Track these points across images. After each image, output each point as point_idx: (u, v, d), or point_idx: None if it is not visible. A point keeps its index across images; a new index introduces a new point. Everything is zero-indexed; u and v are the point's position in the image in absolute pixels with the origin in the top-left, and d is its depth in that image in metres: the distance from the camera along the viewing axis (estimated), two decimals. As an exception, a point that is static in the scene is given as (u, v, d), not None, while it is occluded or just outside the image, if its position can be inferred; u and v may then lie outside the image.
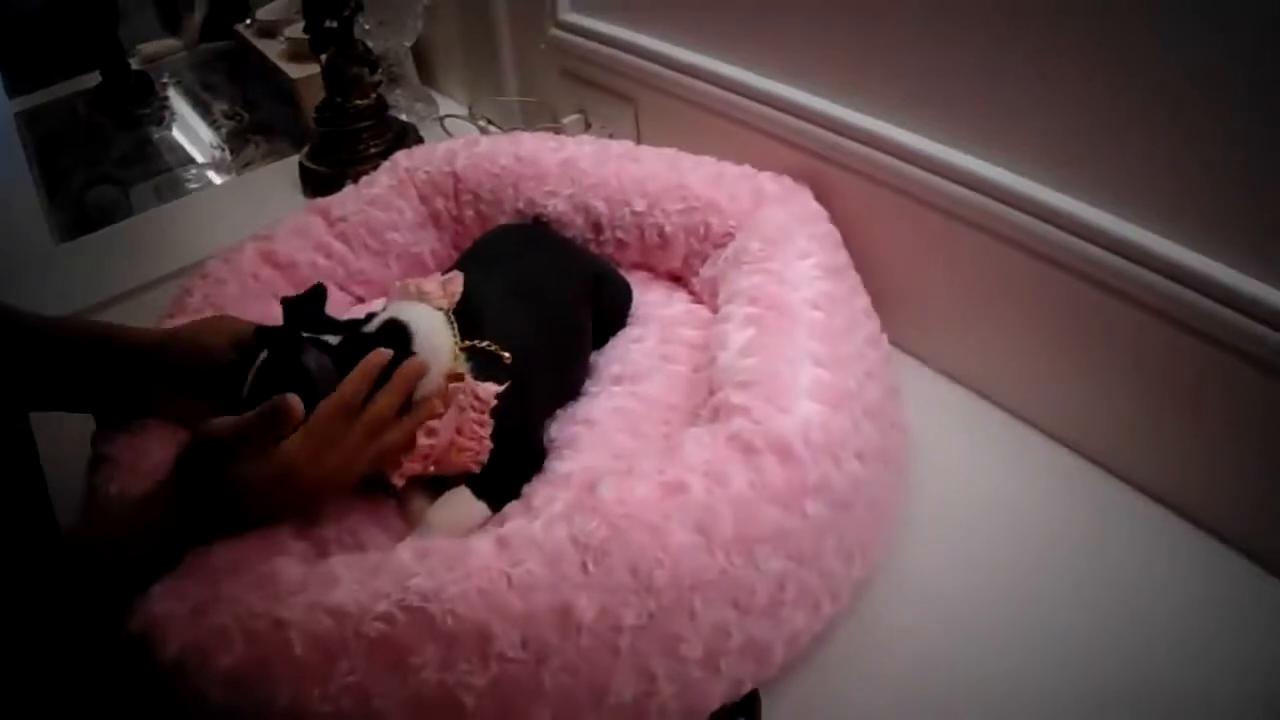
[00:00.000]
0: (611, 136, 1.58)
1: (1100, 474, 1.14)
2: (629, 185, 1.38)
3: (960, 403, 1.27)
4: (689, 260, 1.36)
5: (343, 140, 1.89)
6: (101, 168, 2.34)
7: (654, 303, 1.35)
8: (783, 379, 0.99)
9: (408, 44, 2.12)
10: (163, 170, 2.27)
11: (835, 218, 1.29)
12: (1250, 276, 0.94)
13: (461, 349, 1.06)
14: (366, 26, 1.97)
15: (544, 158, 1.45)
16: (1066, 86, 1.02)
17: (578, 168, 1.41)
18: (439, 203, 1.50)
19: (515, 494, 1.05)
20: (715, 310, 1.25)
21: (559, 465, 1.09)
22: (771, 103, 1.36)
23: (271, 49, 2.46)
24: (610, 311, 1.32)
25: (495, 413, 1.04)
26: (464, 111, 2.03)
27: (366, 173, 1.58)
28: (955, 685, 0.95)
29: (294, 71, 2.28)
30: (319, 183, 1.87)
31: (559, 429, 1.15)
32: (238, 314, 1.21)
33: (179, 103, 2.64)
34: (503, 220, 1.46)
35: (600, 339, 1.29)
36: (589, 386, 1.23)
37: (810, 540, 0.92)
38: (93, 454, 1.08)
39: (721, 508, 0.88)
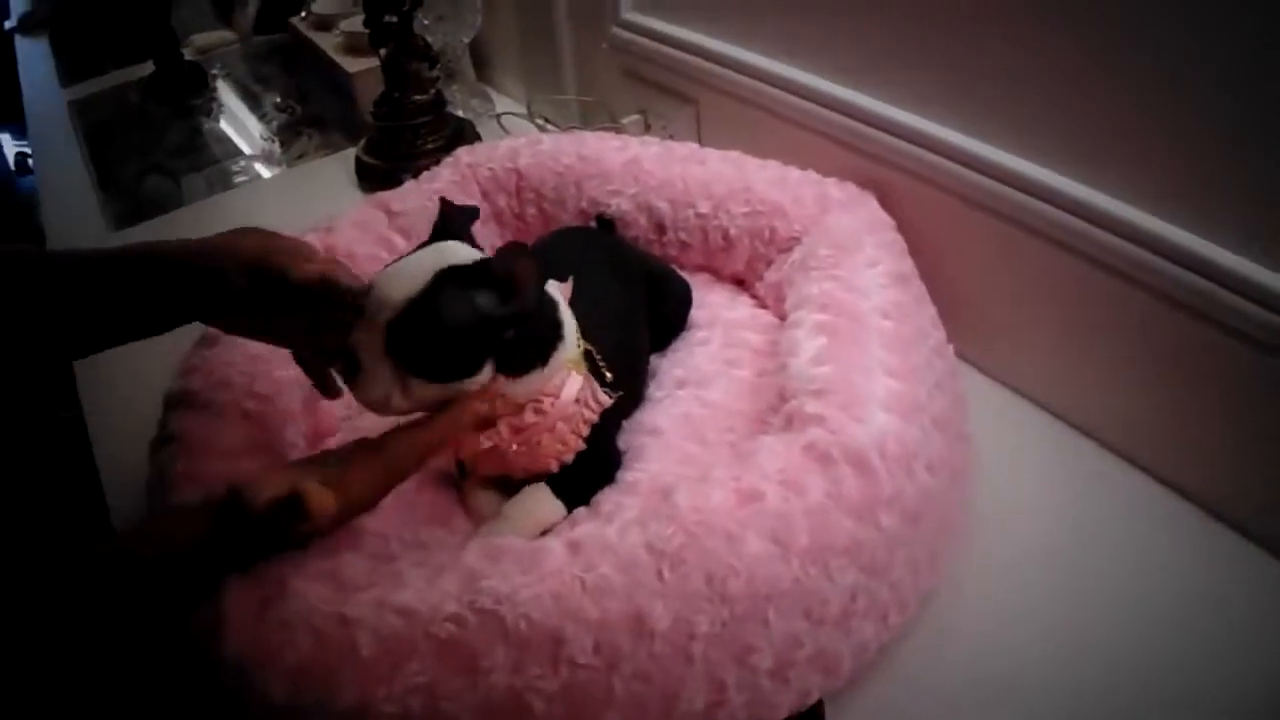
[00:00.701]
0: (671, 137, 1.57)
1: (1160, 489, 1.13)
2: (694, 187, 1.37)
3: (1020, 413, 1.25)
4: (752, 264, 1.35)
5: (400, 135, 1.89)
6: (153, 158, 2.34)
7: (717, 305, 1.34)
8: (857, 388, 0.98)
9: (466, 40, 2.11)
10: (212, 162, 2.27)
11: (898, 225, 1.28)
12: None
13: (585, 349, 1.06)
14: (425, 21, 1.96)
15: (608, 157, 1.44)
16: (1139, 95, 1.00)
17: (642, 168, 1.41)
18: (501, 200, 1.50)
19: (586, 500, 1.04)
20: (779, 315, 1.25)
21: (625, 474, 1.08)
22: (836, 107, 1.35)
23: (326, 42, 2.46)
24: (671, 314, 1.31)
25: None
26: (520, 109, 2.03)
27: (424, 168, 1.58)
28: (1016, 698, 0.94)
29: (350, 65, 2.28)
30: (375, 177, 1.87)
31: (626, 438, 1.15)
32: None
33: (227, 94, 2.64)
34: (565, 219, 1.45)
35: (661, 342, 1.29)
36: (653, 391, 1.22)
37: (883, 552, 0.91)
38: (159, 433, 1.08)
39: (797, 517, 0.87)
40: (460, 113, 2.07)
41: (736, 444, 1.08)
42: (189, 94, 2.62)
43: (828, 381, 1.00)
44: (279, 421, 1.11)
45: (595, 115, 1.85)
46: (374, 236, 1.42)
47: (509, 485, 1.06)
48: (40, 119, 2.68)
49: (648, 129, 1.74)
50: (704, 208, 1.35)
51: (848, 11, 1.30)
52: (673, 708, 0.82)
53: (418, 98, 1.88)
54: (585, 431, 1.04)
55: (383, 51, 1.84)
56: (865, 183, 1.33)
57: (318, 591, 0.85)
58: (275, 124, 2.40)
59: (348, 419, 1.20)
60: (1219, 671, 0.94)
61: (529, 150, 1.50)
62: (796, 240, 1.28)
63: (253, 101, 2.57)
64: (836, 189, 1.32)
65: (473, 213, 1.05)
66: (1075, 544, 1.08)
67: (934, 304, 1.21)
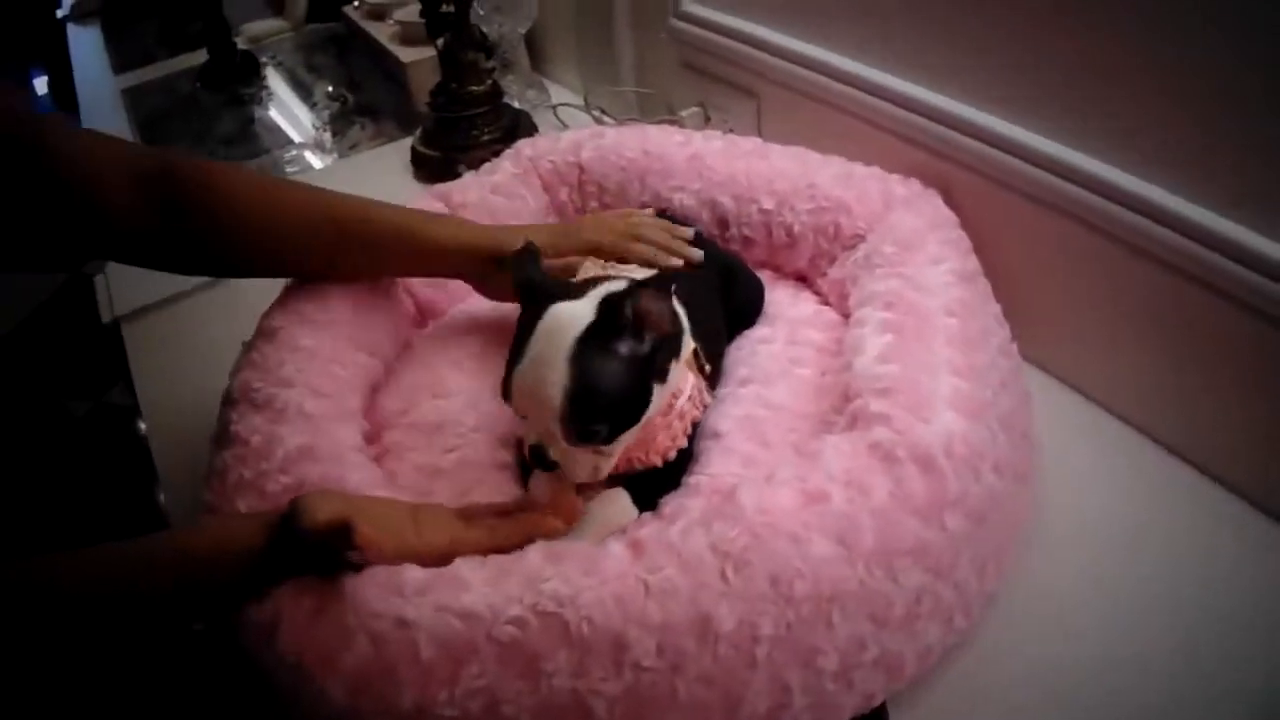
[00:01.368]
0: (731, 131, 1.56)
1: (1226, 494, 1.11)
2: (757, 183, 1.35)
3: (1084, 414, 1.24)
4: (816, 260, 1.33)
5: (456, 126, 1.88)
6: (206, 146, 2.36)
7: (781, 302, 1.32)
8: (923, 388, 0.97)
9: (522, 31, 2.10)
10: (264, 151, 2.28)
11: (961, 222, 1.26)
12: None
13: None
14: (481, 12, 1.96)
15: (671, 152, 1.43)
16: (1211, 93, 0.98)
17: (705, 163, 1.39)
18: (563, 193, 1.49)
19: (654, 504, 1.02)
20: (843, 312, 1.23)
21: (686, 477, 1.06)
22: (900, 102, 1.33)
23: (380, 32, 2.47)
24: (742, 308, 1.29)
25: None
26: (576, 100, 2.02)
27: (480, 159, 1.58)
28: (1078, 702, 0.92)
29: (404, 55, 2.28)
30: (431, 167, 1.88)
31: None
32: (361, 296, 1.24)
33: (278, 83, 2.66)
34: (627, 214, 1.43)
35: (729, 335, 1.27)
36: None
37: (948, 554, 0.90)
38: (219, 430, 1.08)
39: (863, 518, 0.86)
40: (516, 104, 2.06)
41: (800, 445, 1.06)
42: (241, 83, 2.63)
43: (893, 380, 0.98)
44: (338, 419, 1.10)
45: (653, 107, 1.85)
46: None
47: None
48: (93, 107, 2.70)
49: (707, 122, 1.73)
50: (768, 204, 1.34)
51: (913, 6, 1.28)
52: (736, 711, 0.81)
53: (474, 88, 1.87)
54: (690, 429, 1.04)
55: (439, 41, 1.84)
56: (928, 179, 1.32)
57: (375, 593, 0.84)
58: (327, 113, 2.41)
59: (404, 413, 1.19)
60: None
61: (591, 143, 1.49)
62: (860, 237, 1.27)
63: (304, 91, 2.58)
64: (901, 185, 1.30)
65: (534, 252, 1.03)
66: (1138, 547, 1.06)
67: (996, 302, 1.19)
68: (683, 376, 1.02)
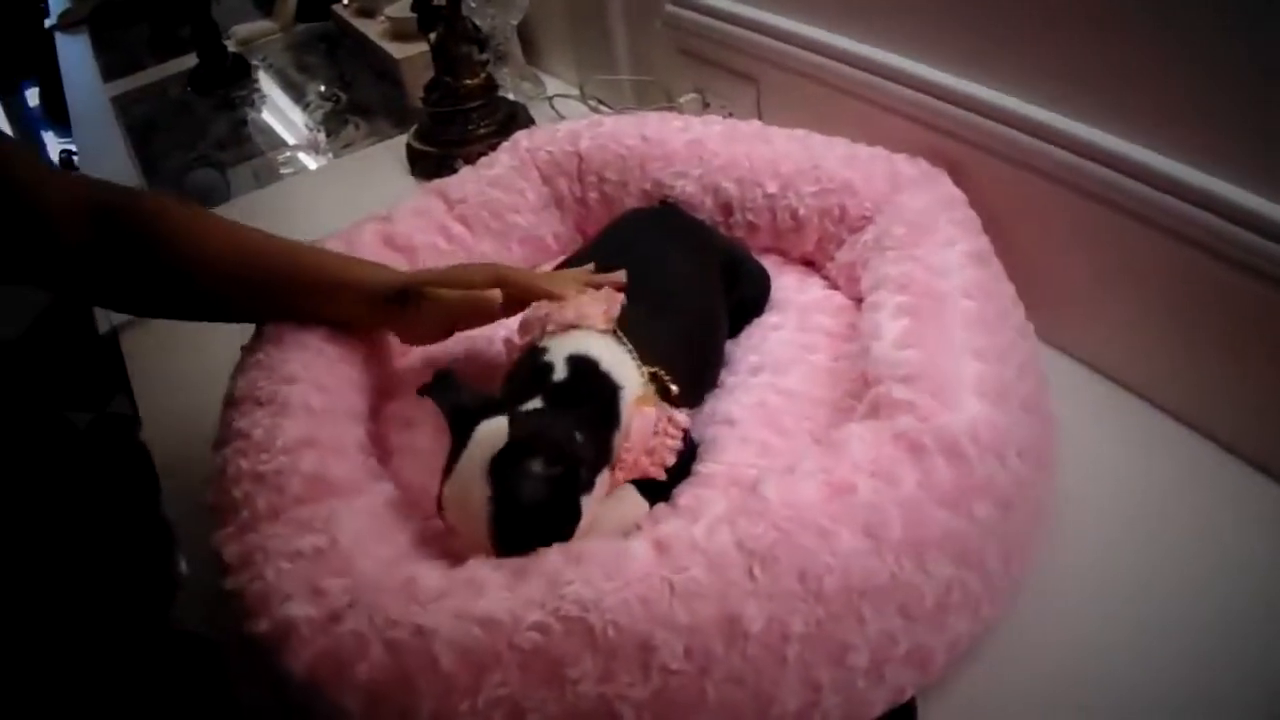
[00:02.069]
0: (730, 116, 1.53)
1: (1247, 469, 1.09)
2: (760, 166, 1.33)
3: (1100, 392, 1.22)
4: (823, 244, 1.31)
5: (452, 120, 1.87)
6: (198, 151, 2.34)
7: (788, 288, 1.30)
8: (945, 373, 0.95)
9: (514, 22, 2.08)
10: (257, 153, 2.26)
11: (969, 201, 1.24)
12: None
13: (648, 374, 1.03)
14: (473, 4, 1.94)
15: (671, 138, 1.41)
16: (1221, 63, 0.96)
17: (706, 148, 1.37)
18: (562, 184, 1.47)
19: (667, 495, 1.01)
20: (853, 296, 1.22)
21: (700, 466, 1.05)
22: (903, 80, 1.31)
23: (371, 29, 2.45)
24: (747, 299, 1.27)
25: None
26: (571, 91, 2.00)
27: (477, 154, 1.56)
28: (1108, 688, 0.91)
29: (397, 51, 2.27)
30: (428, 164, 1.86)
31: (700, 429, 1.11)
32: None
33: (269, 85, 2.64)
34: (628, 202, 1.42)
35: (736, 327, 1.25)
36: (725, 377, 1.19)
37: (976, 543, 0.88)
38: (222, 427, 1.06)
39: (890, 509, 0.84)
40: (511, 96, 2.04)
41: (815, 432, 1.06)
42: (232, 86, 2.62)
43: (914, 366, 0.96)
44: (341, 416, 1.09)
45: (650, 96, 1.83)
46: (433, 225, 1.40)
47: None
48: (84, 115, 2.68)
49: (706, 108, 1.71)
50: (772, 187, 1.32)
51: (914, -19, 1.26)
52: (767, 711, 0.79)
53: (469, 82, 1.85)
54: (671, 458, 1.01)
55: (432, 36, 1.82)
56: (934, 158, 1.29)
57: (391, 600, 0.82)
58: (320, 113, 2.40)
59: (409, 417, 1.17)
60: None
61: (589, 133, 1.47)
62: (868, 219, 1.25)
63: (295, 92, 2.56)
64: (908, 165, 1.28)
65: (450, 377, 1.01)
66: (1162, 528, 1.04)
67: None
68: (634, 417, 0.99)
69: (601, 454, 0.95)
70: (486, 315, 1.10)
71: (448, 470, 0.92)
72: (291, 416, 1.03)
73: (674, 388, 1.04)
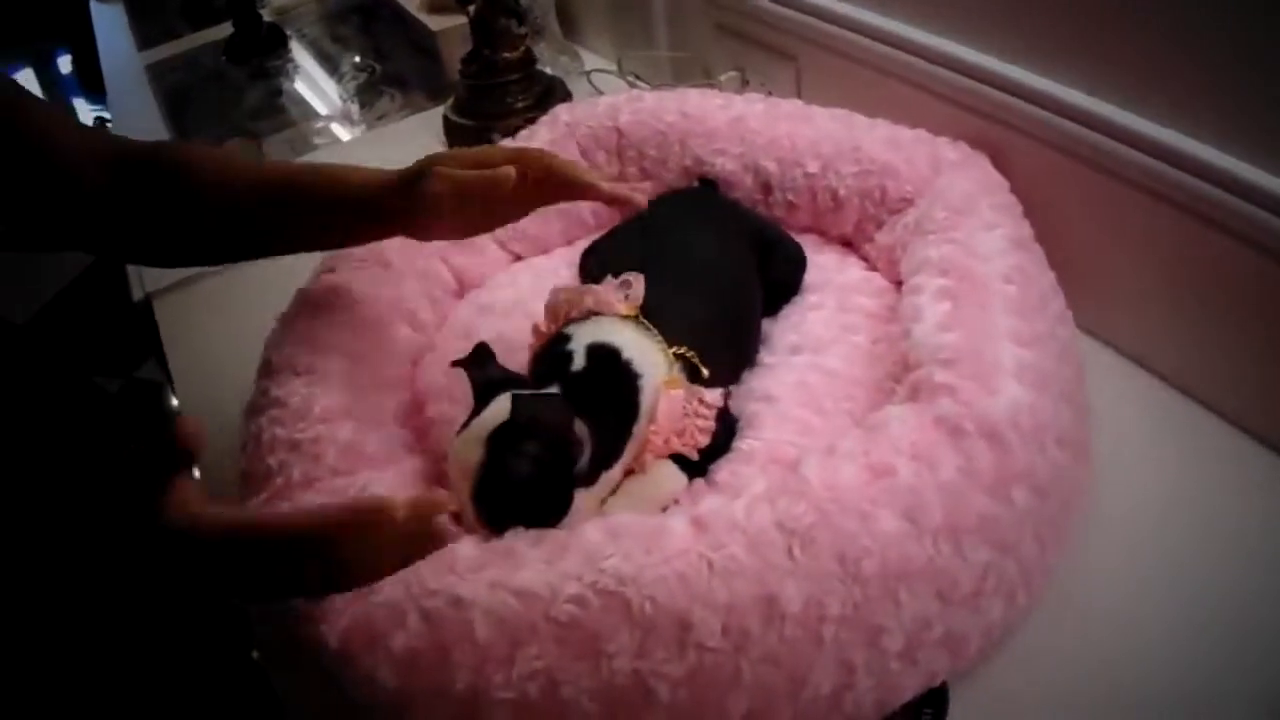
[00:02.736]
0: (770, 94, 1.52)
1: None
2: (801, 146, 1.32)
3: (1139, 384, 1.21)
4: (862, 225, 1.31)
5: (490, 93, 1.85)
6: (232, 120, 2.34)
7: (827, 268, 1.29)
8: (987, 358, 0.94)
9: (553, -4, 2.07)
10: (290, 124, 2.26)
11: (1010, 187, 1.23)
12: None
13: (675, 356, 1.03)
14: (511, -23, 1.93)
15: (712, 115, 1.40)
16: (1268, 52, 0.95)
17: (747, 126, 1.37)
18: (600, 158, 1.46)
19: (704, 470, 1.01)
20: (892, 278, 1.22)
21: (740, 442, 1.04)
22: (944, 63, 1.30)
23: (407, 1, 2.44)
24: (783, 278, 1.27)
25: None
26: (610, 66, 1.99)
27: (515, 126, 1.56)
28: (1141, 678, 0.90)
29: (434, 24, 2.25)
30: (464, 136, 1.85)
31: (739, 405, 1.10)
32: (399, 267, 1.24)
33: (302, 55, 2.63)
34: (668, 178, 1.42)
35: (772, 306, 1.25)
36: (764, 357, 1.18)
37: (1013, 529, 0.88)
38: (256, 395, 1.07)
39: (930, 494, 0.84)
40: (549, 70, 2.03)
41: (855, 413, 1.05)
42: (267, 55, 2.61)
43: (955, 350, 0.96)
44: (378, 387, 1.10)
45: (689, 73, 1.82)
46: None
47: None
48: (118, 84, 2.67)
49: (745, 86, 1.70)
50: (812, 167, 1.31)
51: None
52: (800, 692, 0.79)
53: (507, 55, 1.84)
54: (703, 439, 1.01)
55: (470, 8, 1.81)
56: (975, 142, 1.28)
57: (428, 570, 0.82)
58: (354, 84, 2.39)
59: (445, 386, 1.17)
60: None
61: (630, 108, 1.46)
62: (908, 201, 1.24)
63: (330, 63, 2.55)
64: (950, 149, 1.27)
65: (487, 352, 1.03)
66: (1196, 520, 1.03)
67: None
68: (659, 400, 0.99)
69: (610, 449, 0.96)
70: (503, 195, 1.03)
71: (460, 430, 0.94)
72: (328, 386, 1.04)
73: (704, 370, 1.04)
